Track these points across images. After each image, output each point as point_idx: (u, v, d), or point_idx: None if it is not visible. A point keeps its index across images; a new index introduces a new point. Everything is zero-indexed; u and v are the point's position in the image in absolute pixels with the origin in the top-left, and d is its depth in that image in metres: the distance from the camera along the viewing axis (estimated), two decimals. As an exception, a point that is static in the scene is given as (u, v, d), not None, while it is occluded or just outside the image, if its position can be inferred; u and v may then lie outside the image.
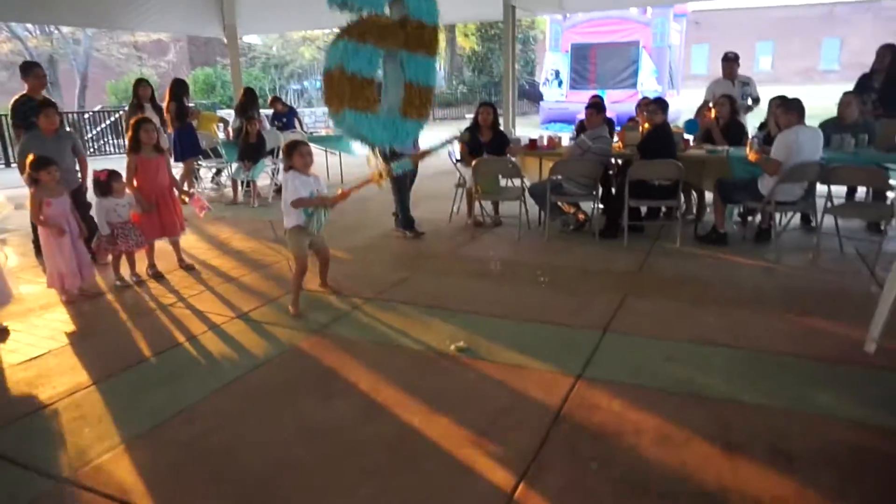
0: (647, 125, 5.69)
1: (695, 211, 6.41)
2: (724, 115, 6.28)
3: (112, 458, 2.59)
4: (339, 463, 2.52)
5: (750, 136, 5.94)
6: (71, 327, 4.12)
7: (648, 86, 15.57)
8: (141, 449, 2.66)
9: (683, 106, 15.04)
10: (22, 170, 4.59)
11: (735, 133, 6.17)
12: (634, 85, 15.95)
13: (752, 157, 5.04)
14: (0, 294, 4.00)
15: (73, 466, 2.55)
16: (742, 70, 7.20)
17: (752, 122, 6.83)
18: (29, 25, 20.68)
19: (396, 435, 2.71)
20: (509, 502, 2.25)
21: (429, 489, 2.34)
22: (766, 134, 5.81)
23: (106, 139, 16.59)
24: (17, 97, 5.77)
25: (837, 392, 2.91)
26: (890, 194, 5.49)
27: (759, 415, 2.75)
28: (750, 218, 5.90)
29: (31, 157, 4.30)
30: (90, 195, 5.15)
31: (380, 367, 3.35)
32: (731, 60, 7.04)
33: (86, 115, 17.24)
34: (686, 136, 6.27)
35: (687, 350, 3.42)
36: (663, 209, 6.17)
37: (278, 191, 4.13)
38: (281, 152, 4.03)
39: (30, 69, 5.87)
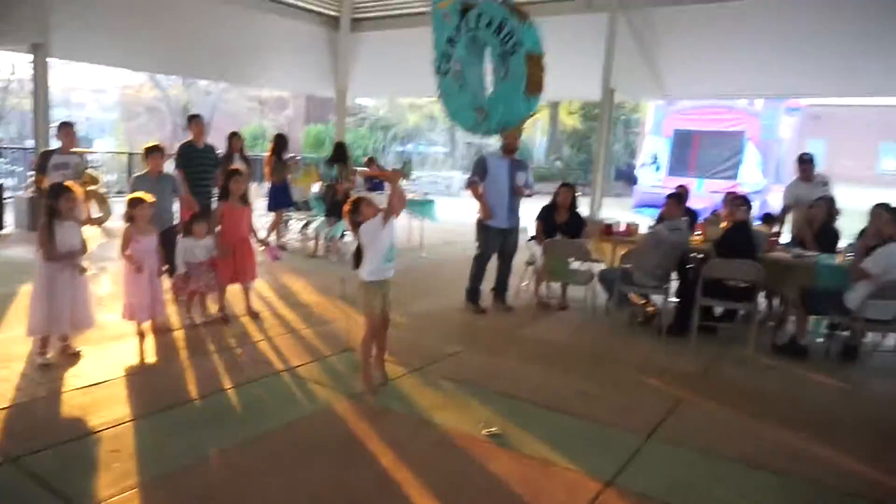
0: (726, 222, 5.45)
1: (777, 318, 5.99)
2: (818, 219, 5.92)
3: (130, 497, 2.68)
4: (338, 539, 2.48)
5: (844, 244, 5.56)
6: (134, 360, 4.38)
7: (751, 178, 15.00)
8: (159, 492, 2.75)
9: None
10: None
11: (828, 239, 5.78)
12: (735, 176, 15.41)
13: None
14: (83, 319, 4.34)
15: (95, 499, 2.66)
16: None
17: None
18: (172, 76, 23.04)
19: (403, 518, 2.63)
20: None
21: (419, 584, 2.24)
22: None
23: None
24: (183, 143, 6.84)
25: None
26: None
27: (802, 562, 2.45)
28: (840, 333, 5.43)
29: (128, 196, 4.72)
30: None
31: (407, 442, 3.30)
32: (807, 162, 6.76)
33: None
34: (773, 237, 5.94)
35: (735, 470, 3.14)
36: (741, 312, 5.81)
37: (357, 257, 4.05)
38: (344, 213, 4.00)
39: (193, 119, 6.93)
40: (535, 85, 5.59)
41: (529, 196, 6.13)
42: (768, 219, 6.80)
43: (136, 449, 3.10)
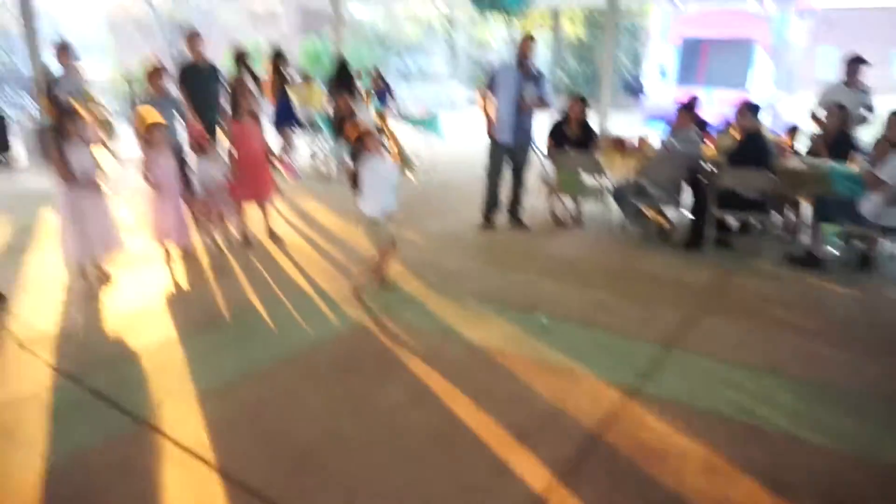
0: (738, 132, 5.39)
1: (792, 229, 6.03)
2: (832, 126, 5.86)
3: (182, 409, 2.85)
4: (383, 443, 2.64)
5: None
6: (166, 282, 4.49)
7: (761, 87, 14.67)
8: (208, 404, 2.90)
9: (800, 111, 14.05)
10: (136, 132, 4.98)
11: (842, 147, 5.74)
12: (745, 85, 15.06)
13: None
14: (112, 242, 4.42)
15: (149, 410, 2.83)
16: (876, 78, 6.35)
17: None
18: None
19: (441, 424, 2.79)
20: (540, 507, 2.29)
21: (464, 482, 2.41)
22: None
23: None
24: (185, 64, 6.43)
25: (913, 444, 2.72)
26: None
27: (819, 456, 2.62)
28: (855, 243, 5.47)
29: (147, 120, 4.64)
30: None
31: (435, 355, 3.44)
32: (858, 63, 6.30)
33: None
34: (788, 143, 5.88)
35: (753, 377, 3.29)
36: (758, 225, 5.85)
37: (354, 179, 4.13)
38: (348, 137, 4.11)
39: (193, 37, 6.40)
40: None
41: (544, 108, 6.02)
42: (792, 131, 6.68)
43: (182, 365, 3.25)
